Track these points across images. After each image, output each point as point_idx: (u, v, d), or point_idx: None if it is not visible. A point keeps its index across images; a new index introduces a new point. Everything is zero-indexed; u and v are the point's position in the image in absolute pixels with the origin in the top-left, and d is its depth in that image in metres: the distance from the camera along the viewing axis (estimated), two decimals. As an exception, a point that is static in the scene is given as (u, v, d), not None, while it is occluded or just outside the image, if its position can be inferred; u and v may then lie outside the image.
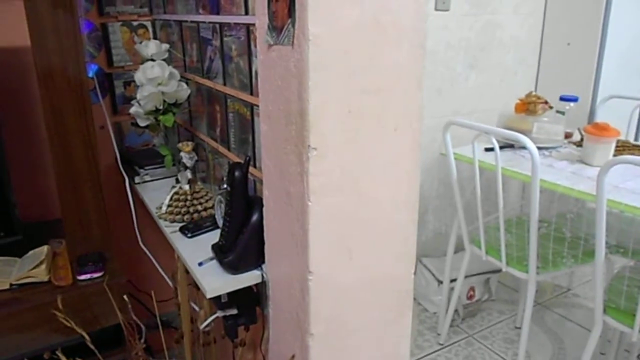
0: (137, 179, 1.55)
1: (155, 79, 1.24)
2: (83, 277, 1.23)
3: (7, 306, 1.16)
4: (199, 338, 1.30)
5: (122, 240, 1.46)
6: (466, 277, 2.32)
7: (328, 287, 0.88)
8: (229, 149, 1.24)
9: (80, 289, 1.22)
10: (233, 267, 1.01)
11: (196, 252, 1.12)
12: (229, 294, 1.08)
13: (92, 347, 1.11)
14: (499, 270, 2.34)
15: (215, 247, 1.07)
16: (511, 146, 2.01)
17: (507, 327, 2.33)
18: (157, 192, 1.46)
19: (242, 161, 1.02)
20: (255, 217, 1.01)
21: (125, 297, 1.09)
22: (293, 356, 0.96)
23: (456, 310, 2.30)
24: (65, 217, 1.27)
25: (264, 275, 1.02)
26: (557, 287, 2.61)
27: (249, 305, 1.14)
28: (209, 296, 0.99)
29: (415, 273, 0.99)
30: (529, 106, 1.99)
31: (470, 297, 2.40)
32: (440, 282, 2.31)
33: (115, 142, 1.75)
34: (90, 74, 1.67)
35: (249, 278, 1.02)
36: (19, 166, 1.39)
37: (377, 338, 0.97)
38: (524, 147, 1.95)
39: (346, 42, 0.77)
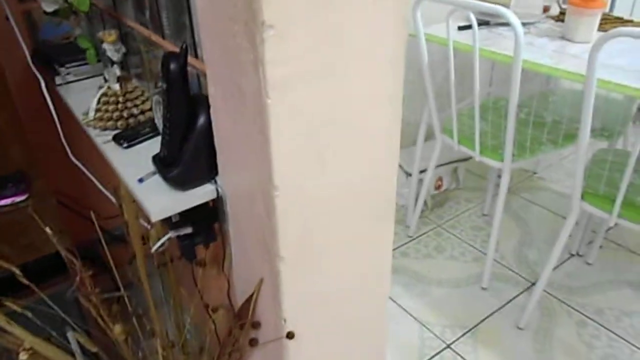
0: (58, 80, 1.29)
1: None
2: (3, 202, 1.03)
3: None
4: (153, 259, 1.15)
5: (50, 154, 1.24)
6: (435, 167, 2.24)
7: (298, 203, 0.72)
8: (163, 37, 1.01)
9: (2, 215, 1.02)
10: (180, 183, 0.84)
11: (136, 165, 0.93)
12: (182, 213, 0.91)
13: (24, 281, 0.95)
14: (468, 159, 2.26)
15: (156, 159, 0.88)
16: (486, 23, 1.82)
17: (475, 215, 2.31)
18: (85, 94, 1.22)
19: (178, 50, 0.80)
20: (201, 121, 0.81)
21: (50, 226, 0.92)
22: (261, 280, 0.82)
23: (425, 202, 2.23)
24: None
25: (219, 189, 0.86)
26: (522, 170, 2.58)
27: (206, 222, 0.98)
28: (153, 219, 0.82)
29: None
30: (506, -24, 1.77)
31: (438, 187, 2.33)
32: (409, 175, 2.21)
33: (27, 36, 1.46)
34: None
35: (202, 194, 0.86)
36: None
37: (357, 254, 0.84)
38: (501, 24, 1.77)
39: None
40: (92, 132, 1.06)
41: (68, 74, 1.30)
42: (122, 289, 1.08)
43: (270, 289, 0.80)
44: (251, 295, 0.84)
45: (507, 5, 1.79)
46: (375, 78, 0.71)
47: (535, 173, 2.57)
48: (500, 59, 1.56)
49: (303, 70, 0.63)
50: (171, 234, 0.97)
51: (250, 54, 0.62)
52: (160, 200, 0.84)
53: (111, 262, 1.07)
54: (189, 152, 0.82)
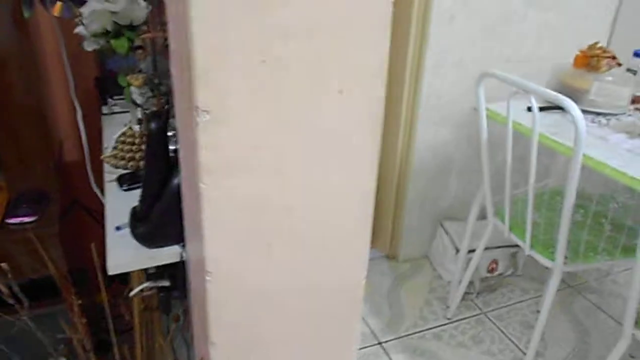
0: (104, 109, 1.37)
1: (100, -7, 1.01)
2: (12, 220, 1.09)
3: None
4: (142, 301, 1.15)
5: (77, 179, 1.30)
6: (489, 248, 2.07)
7: (235, 290, 0.67)
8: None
9: (8, 234, 1.08)
10: (145, 240, 0.82)
11: (124, 211, 0.94)
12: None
13: (9, 300, 0.99)
14: (528, 247, 2.06)
15: (132, 212, 0.88)
16: (560, 108, 1.66)
17: (528, 309, 2.08)
18: (120, 128, 1.27)
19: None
20: (175, 182, 0.80)
21: (50, 250, 0.94)
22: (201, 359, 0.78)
23: (472, 283, 2.06)
24: (1, 149, 1.11)
25: (183, 254, 0.83)
26: (594, 269, 2.30)
27: (184, 278, 0.96)
28: (110, 272, 0.81)
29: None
30: (590, 60, 1.62)
31: (491, 270, 2.15)
32: (458, 251, 2.06)
33: (95, 64, 1.56)
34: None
35: (166, 255, 0.84)
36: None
37: (308, 354, 0.77)
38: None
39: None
40: (106, 167, 1.09)
41: (115, 105, 1.37)
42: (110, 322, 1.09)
43: (204, 373, 0.75)
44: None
45: (587, 92, 1.63)
46: (338, 171, 0.65)
47: (608, 274, 2.28)
48: (560, 149, 1.41)
49: (246, 158, 0.59)
50: (148, 284, 0.96)
51: (190, 133, 0.59)
52: (124, 255, 0.83)
53: (104, 294, 1.08)
54: (159, 211, 0.81)
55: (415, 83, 1.93)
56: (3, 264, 0.84)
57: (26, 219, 1.09)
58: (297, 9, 0.54)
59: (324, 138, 0.63)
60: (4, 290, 0.96)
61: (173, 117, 0.81)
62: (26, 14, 1.10)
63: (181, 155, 0.74)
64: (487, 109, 1.61)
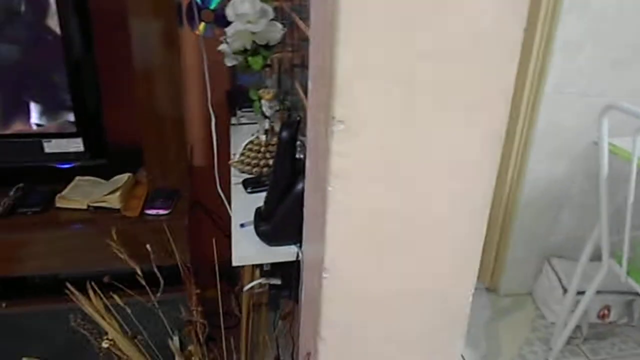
0: (233, 120, 1.50)
1: (244, 15, 1.13)
2: (150, 211, 1.23)
3: (80, 225, 1.21)
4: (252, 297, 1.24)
5: (204, 181, 1.44)
6: (601, 292, 1.94)
7: (348, 290, 0.72)
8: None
9: (145, 223, 1.22)
10: (267, 238, 0.91)
11: (248, 211, 1.03)
12: (283, 262, 0.98)
13: (142, 281, 1.11)
14: (647, 295, 1.91)
15: (256, 212, 0.96)
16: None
17: (642, 363, 1.92)
18: (245, 137, 1.39)
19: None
20: (299, 187, 0.87)
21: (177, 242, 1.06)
22: (309, 354, 0.83)
23: (579, 327, 1.94)
24: (145, 149, 1.27)
25: (300, 253, 0.90)
26: None
27: (296, 278, 1.03)
28: (234, 264, 0.90)
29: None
30: None
31: (602, 317, 2.01)
32: (566, 291, 1.95)
33: (228, 78, 1.72)
34: (212, 5, 1.63)
35: (284, 254, 0.91)
36: (117, 89, 1.41)
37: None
38: None
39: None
40: (233, 172, 1.20)
41: (242, 117, 1.50)
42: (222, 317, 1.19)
43: (312, 366, 0.80)
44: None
45: None
46: (454, 188, 0.68)
47: None
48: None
49: (371, 167, 0.65)
50: (261, 280, 1.04)
51: (324, 141, 0.66)
52: (248, 249, 0.91)
53: (218, 290, 1.18)
54: (281, 212, 0.89)
55: (531, 113, 1.89)
56: (147, 247, 0.95)
57: (161, 212, 1.23)
58: (435, 34, 0.59)
59: (448, 155, 0.66)
60: (140, 273, 1.09)
61: (302, 128, 0.89)
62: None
63: (308, 162, 0.81)
64: (610, 144, 1.53)
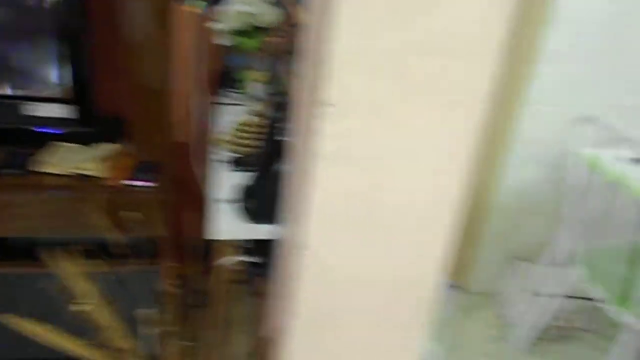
0: (221, 99, 1.51)
1: (243, -4, 1.14)
2: (136, 182, 1.24)
3: (62, 190, 1.22)
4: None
5: (187, 156, 1.45)
6: (562, 296, 2.01)
7: (323, 269, 0.75)
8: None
9: (128, 193, 1.23)
10: (251, 214, 0.93)
11: (230, 188, 1.05)
12: (258, 240, 1.00)
13: (121, 251, 1.12)
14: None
15: (242, 188, 0.99)
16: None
17: (595, 366, 2.00)
18: (228, 117, 1.40)
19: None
20: (284, 167, 0.90)
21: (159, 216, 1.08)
22: (278, 329, 0.86)
23: (540, 329, 2.01)
24: (132, 121, 1.28)
25: (279, 232, 0.92)
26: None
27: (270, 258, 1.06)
28: (214, 237, 0.92)
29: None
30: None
31: (562, 320, 2.09)
32: (529, 293, 2.02)
33: (218, 58, 1.72)
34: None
35: (265, 232, 0.93)
36: (108, 60, 1.40)
37: (375, 345, 0.83)
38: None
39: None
40: (217, 149, 1.22)
41: (227, 97, 1.51)
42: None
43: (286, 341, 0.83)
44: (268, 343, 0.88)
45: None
46: (434, 179, 0.72)
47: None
48: (656, 205, 1.38)
49: (357, 153, 0.68)
50: (240, 258, 1.07)
51: (314, 122, 0.68)
52: (228, 224, 0.93)
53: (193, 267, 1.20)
54: (269, 191, 0.91)
55: (510, 120, 1.94)
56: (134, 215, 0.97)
57: (147, 184, 1.24)
58: (424, 29, 0.62)
59: (427, 146, 0.70)
60: (120, 240, 1.10)
61: (289, 110, 0.91)
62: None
63: (296, 143, 0.84)
64: (581, 154, 1.59)
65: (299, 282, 0.75)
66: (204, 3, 1.42)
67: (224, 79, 1.60)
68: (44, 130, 1.28)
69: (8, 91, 1.23)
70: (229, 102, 1.54)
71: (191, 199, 1.54)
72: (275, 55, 1.49)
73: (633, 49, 1.92)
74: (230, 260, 1.09)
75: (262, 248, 1.04)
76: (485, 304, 2.25)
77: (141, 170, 1.27)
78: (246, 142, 1.16)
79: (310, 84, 0.72)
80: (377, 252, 0.76)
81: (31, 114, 1.23)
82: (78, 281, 0.98)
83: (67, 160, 1.26)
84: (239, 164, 1.11)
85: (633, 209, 1.45)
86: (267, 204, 0.90)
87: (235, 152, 1.18)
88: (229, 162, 1.15)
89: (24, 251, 1.27)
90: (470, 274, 2.25)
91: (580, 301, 2.05)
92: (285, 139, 0.91)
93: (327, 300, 0.78)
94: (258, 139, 1.16)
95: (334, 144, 0.66)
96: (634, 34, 1.88)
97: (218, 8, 1.26)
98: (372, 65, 0.64)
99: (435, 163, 0.72)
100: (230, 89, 1.55)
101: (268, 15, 1.20)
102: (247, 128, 1.18)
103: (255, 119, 1.24)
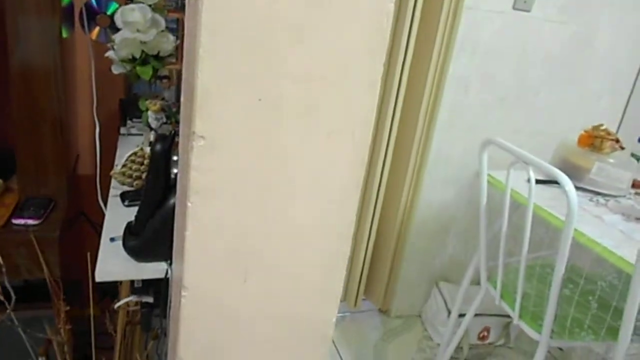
0: (122, 130, 1.44)
1: (133, 24, 1.10)
2: (17, 221, 1.14)
3: None
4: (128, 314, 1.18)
5: (87, 191, 1.37)
6: (481, 315, 2.06)
7: (209, 310, 0.71)
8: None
9: (12, 233, 1.13)
10: (135, 253, 0.87)
11: (122, 225, 0.98)
12: (145, 279, 0.94)
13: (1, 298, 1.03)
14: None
15: (126, 226, 0.93)
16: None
17: (515, 382, 2.05)
18: (133, 148, 1.34)
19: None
20: (170, 203, 0.85)
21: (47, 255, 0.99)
22: (170, 375, 0.80)
23: (461, 348, 2.04)
24: (19, 154, 1.18)
25: (169, 270, 0.87)
26: (589, 351, 2.26)
27: (167, 296, 1.00)
28: (97, 279, 0.85)
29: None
30: (594, 141, 1.66)
31: (482, 338, 2.13)
32: (450, 313, 2.05)
33: (123, 87, 1.66)
34: (110, 10, 1.57)
35: (152, 271, 0.88)
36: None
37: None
38: (581, 188, 1.65)
39: (267, 6, 0.58)
40: (112, 183, 1.15)
41: (133, 127, 1.44)
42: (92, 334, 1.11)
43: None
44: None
45: (588, 171, 1.67)
46: (318, 209, 0.70)
47: (604, 359, 2.23)
48: (554, 222, 1.44)
49: (233, 185, 0.64)
50: (132, 298, 1.00)
51: (185, 155, 0.65)
52: (114, 264, 0.87)
53: (91, 309, 1.11)
54: (151, 227, 0.86)
55: (425, 142, 1.99)
56: None
57: (30, 222, 1.14)
58: (300, 57, 0.60)
59: (309, 175, 0.67)
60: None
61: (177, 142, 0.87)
62: (64, 34, 1.20)
63: (179, 177, 0.80)
64: (489, 175, 1.65)
65: (180, 324, 0.70)
66: (102, 30, 1.35)
67: (129, 109, 1.53)
68: None
69: None
70: (135, 132, 1.48)
71: (85, 236, 1.45)
72: (168, 84, 1.45)
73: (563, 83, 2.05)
74: (124, 301, 1.02)
75: (159, 288, 0.98)
76: (409, 327, 2.26)
77: (29, 207, 1.18)
78: (137, 174, 1.10)
79: (185, 115, 0.68)
80: (265, 287, 0.72)
81: None
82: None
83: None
84: (129, 198, 1.05)
85: (538, 228, 1.50)
86: (151, 242, 0.84)
87: (128, 185, 1.12)
88: (122, 196, 1.08)
89: None
90: (395, 297, 2.25)
91: (499, 318, 2.11)
92: (174, 171, 0.87)
93: (214, 343, 0.73)
94: (146, 172, 1.11)
95: (206, 178, 0.63)
96: (533, 68, 1.99)
97: (113, 36, 1.20)
98: (245, 95, 0.61)
99: (319, 191, 0.69)
100: (135, 119, 1.48)
101: (163, 42, 1.16)
102: (139, 159, 1.12)
103: (147, 150, 1.19)
